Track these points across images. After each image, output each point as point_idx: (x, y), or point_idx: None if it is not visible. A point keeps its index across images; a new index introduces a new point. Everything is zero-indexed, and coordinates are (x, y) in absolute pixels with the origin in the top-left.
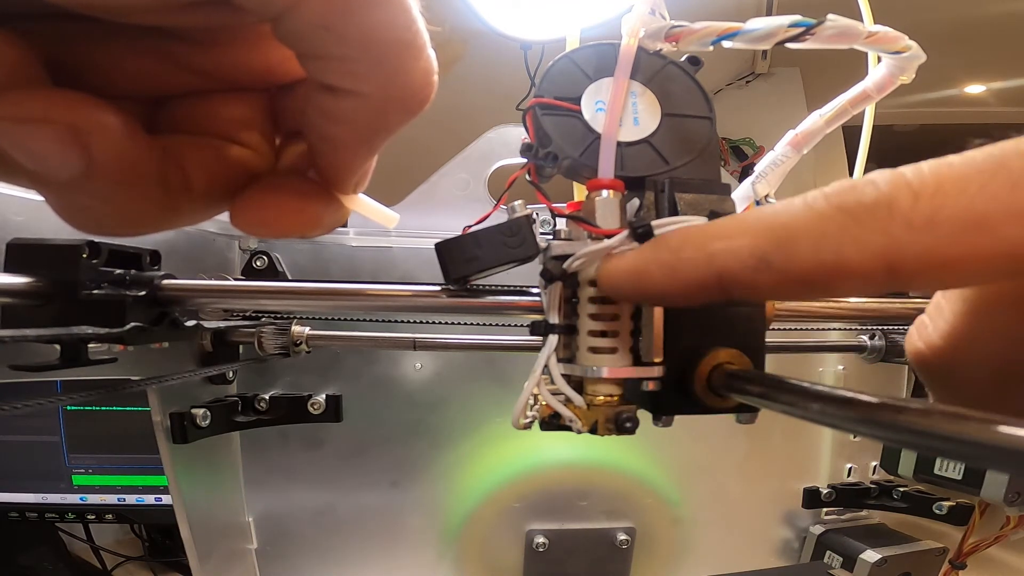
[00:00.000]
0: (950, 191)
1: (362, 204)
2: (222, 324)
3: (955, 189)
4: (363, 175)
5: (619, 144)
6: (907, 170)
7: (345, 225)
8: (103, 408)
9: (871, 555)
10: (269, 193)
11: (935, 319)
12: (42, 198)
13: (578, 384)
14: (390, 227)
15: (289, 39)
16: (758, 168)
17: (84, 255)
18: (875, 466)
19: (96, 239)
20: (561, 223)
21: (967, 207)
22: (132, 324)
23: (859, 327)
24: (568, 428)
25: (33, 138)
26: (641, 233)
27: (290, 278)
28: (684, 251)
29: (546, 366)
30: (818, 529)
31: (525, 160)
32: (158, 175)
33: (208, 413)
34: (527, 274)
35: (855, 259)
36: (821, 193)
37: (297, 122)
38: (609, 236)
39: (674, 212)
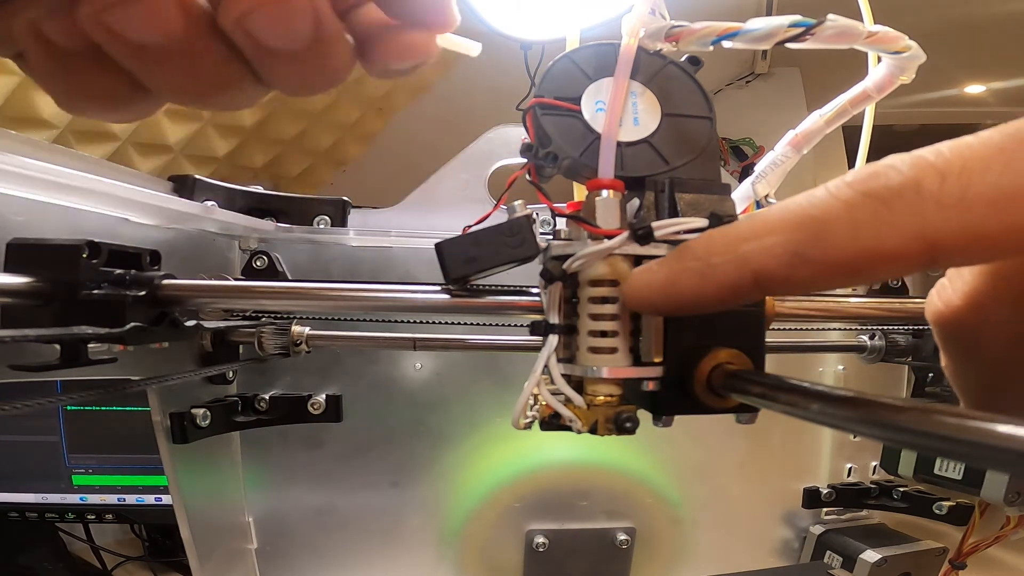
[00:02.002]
0: (975, 169)
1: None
2: (222, 324)
3: (979, 167)
4: None
5: (619, 144)
6: (926, 152)
7: (345, 226)
8: (103, 408)
9: (871, 555)
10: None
11: (954, 280)
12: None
13: (578, 384)
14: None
15: None
16: (758, 168)
17: (84, 255)
18: (875, 466)
19: (96, 239)
20: (561, 223)
21: (995, 184)
22: (132, 324)
23: (859, 327)
24: (568, 428)
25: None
26: (641, 234)
27: (290, 278)
28: (713, 256)
29: (546, 366)
30: (818, 529)
31: (525, 160)
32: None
33: (208, 413)
34: (527, 274)
35: (894, 243)
36: (843, 182)
37: None
38: (609, 236)
39: (674, 212)
